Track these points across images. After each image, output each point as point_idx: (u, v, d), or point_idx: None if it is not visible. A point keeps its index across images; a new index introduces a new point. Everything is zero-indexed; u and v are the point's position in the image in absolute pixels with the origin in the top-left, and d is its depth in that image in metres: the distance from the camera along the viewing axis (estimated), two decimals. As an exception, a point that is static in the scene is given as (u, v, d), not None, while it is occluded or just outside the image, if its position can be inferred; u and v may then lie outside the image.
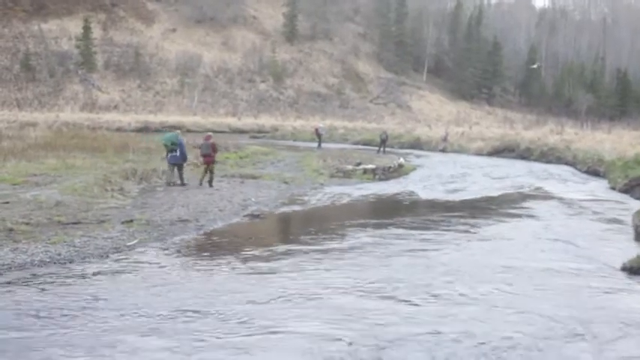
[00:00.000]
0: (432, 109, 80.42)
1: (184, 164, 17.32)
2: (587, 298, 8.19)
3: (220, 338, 6.43)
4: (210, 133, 18.88)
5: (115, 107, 61.20)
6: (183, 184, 16.89)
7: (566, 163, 30.30)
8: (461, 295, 8.11)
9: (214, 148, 17.17)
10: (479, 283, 8.69)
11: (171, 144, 16.81)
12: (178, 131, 17.98)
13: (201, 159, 17.62)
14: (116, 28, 73.49)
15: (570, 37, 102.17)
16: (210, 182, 17.03)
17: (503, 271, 9.39)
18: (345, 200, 16.86)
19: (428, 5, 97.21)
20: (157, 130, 44.13)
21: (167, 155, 17.15)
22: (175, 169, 17.13)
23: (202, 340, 6.35)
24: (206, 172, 17.16)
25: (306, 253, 10.31)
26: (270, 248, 10.70)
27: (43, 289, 7.76)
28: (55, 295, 7.57)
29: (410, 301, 7.80)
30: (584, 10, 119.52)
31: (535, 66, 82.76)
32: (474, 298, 7.97)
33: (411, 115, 75.97)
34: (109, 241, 10.29)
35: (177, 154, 16.80)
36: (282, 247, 10.76)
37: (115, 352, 6.02)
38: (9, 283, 7.96)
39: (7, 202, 12.23)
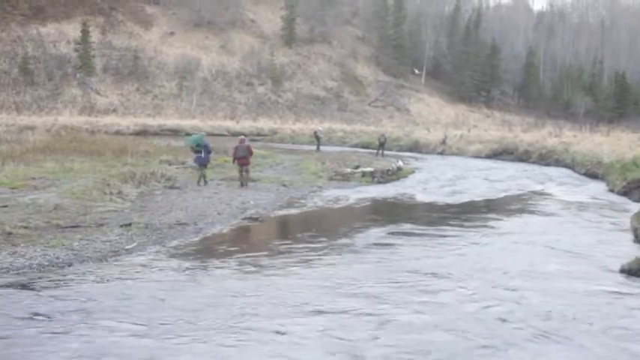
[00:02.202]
0: (431, 112, 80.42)
1: (208, 163, 18.32)
2: (586, 300, 8.18)
3: (218, 341, 6.43)
4: (243, 137, 19.67)
5: (114, 111, 61.19)
6: (205, 183, 17.78)
7: (565, 166, 30.34)
8: (460, 298, 8.12)
9: (250, 151, 18.17)
10: (482, 285, 8.69)
11: (197, 145, 17.74)
12: (203, 133, 18.58)
13: (235, 161, 18.37)
14: (114, 31, 73.46)
15: (568, 39, 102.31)
16: (245, 182, 18.02)
17: (504, 274, 9.39)
18: (344, 203, 16.86)
19: (426, 8, 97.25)
20: (156, 134, 44.26)
21: (194, 157, 18.16)
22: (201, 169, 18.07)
23: (203, 344, 6.35)
24: (241, 173, 18.08)
25: (306, 253, 10.30)
26: (270, 250, 10.69)
27: (40, 293, 7.74)
28: (53, 298, 7.55)
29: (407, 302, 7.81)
30: (583, 13, 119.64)
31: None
32: (478, 299, 7.98)
33: (410, 118, 76.00)
34: (108, 244, 10.27)
35: (203, 155, 17.68)
36: (281, 249, 10.75)
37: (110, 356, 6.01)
38: (7, 286, 7.94)
39: (6, 206, 12.22)
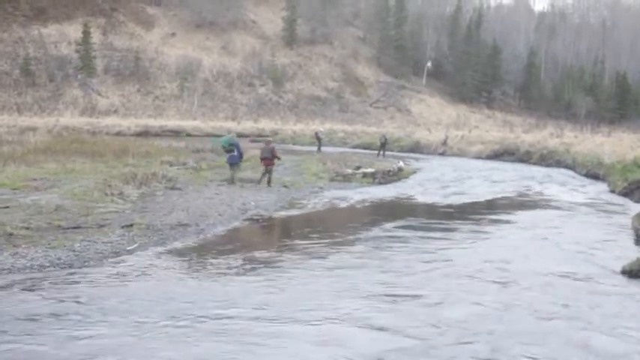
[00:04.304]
0: (432, 113, 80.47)
1: (240, 162, 19.14)
2: (587, 301, 8.17)
3: (219, 341, 6.42)
4: (269, 138, 21.12)
5: (115, 111, 61.27)
6: (232, 183, 18.46)
7: (566, 167, 30.34)
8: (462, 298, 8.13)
9: (274, 153, 18.77)
10: (482, 285, 8.70)
11: (229, 145, 18.65)
12: (234, 133, 19.14)
13: (260, 162, 19.30)
14: (116, 32, 73.58)
15: (570, 40, 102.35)
16: (268, 182, 18.81)
17: (505, 274, 9.37)
18: (345, 204, 16.86)
19: (427, 9, 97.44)
20: (157, 135, 44.31)
21: (227, 156, 18.99)
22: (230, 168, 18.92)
23: (205, 344, 6.35)
24: (265, 173, 18.93)
25: (308, 254, 10.30)
26: (272, 251, 10.69)
27: (41, 294, 7.74)
28: (54, 299, 7.55)
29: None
30: (584, 14, 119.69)
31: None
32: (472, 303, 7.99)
33: (411, 118, 76.04)
34: (109, 245, 10.26)
35: (235, 154, 18.52)
36: (283, 249, 10.75)
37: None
38: (8, 286, 7.95)
39: (7, 207, 12.23)
